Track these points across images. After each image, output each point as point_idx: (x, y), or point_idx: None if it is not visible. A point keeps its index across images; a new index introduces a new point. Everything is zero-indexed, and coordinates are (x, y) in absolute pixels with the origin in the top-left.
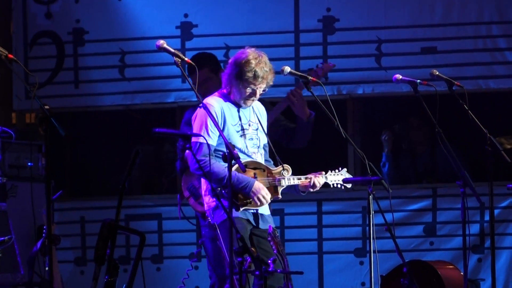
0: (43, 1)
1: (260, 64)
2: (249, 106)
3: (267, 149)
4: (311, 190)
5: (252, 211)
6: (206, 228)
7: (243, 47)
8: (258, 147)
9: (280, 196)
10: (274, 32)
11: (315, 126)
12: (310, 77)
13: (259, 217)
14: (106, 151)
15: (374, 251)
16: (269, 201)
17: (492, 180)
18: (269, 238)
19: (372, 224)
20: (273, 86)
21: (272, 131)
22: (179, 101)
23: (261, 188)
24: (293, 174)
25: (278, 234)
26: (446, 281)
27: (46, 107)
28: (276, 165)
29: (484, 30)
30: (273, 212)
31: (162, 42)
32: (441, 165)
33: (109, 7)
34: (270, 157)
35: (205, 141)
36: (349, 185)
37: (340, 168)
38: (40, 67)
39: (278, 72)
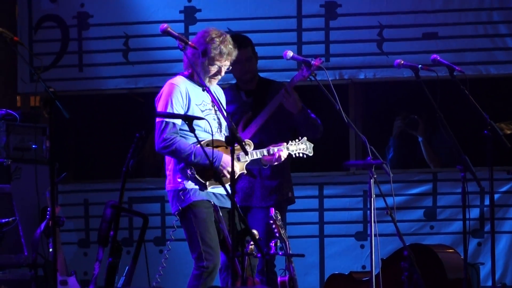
0: None
1: (225, 42)
2: (213, 86)
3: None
4: (275, 163)
5: (216, 192)
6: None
7: (246, 31)
8: (220, 126)
9: (245, 171)
10: (277, 17)
11: (317, 111)
12: (312, 62)
13: (223, 198)
14: (110, 134)
15: (375, 235)
16: (237, 170)
17: (492, 165)
18: (271, 221)
19: (373, 208)
20: (276, 70)
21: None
22: None
23: (229, 161)
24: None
25: (279, 217)
26: (446, 264)
27: (51, 89)
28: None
29: (484, 16)
30: None
31: (166, 26)
32: (441, 150)
33: None
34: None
35: (170, 120)
36: (309, 153)
37: (299, 138)
38: (45, 51)
39: (281, 57)
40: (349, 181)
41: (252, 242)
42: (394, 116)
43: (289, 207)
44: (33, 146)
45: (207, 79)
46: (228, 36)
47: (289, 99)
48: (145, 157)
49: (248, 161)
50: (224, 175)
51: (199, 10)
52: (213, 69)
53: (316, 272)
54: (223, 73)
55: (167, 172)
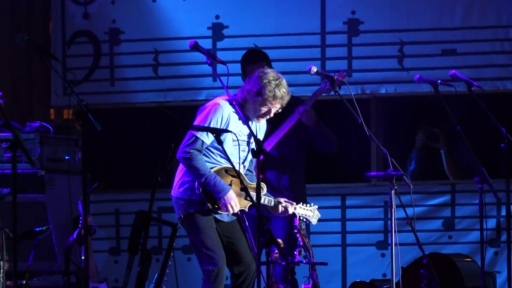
0: (81, 2)
1: (279, 86)
2: (259, 123)
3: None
4: (278, 214)
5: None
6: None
7: (271, 47)
8: (245, 158)
9: (247, 210)
10: (301, 33)
11: (340, 124)
12: (335, 77)
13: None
14: (140, 146)
15: (395, 244)
16: (236, 211)
17: (509, 177)
18: (295, 230)
19: (394, 218)
20: (300, 85)
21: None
22: (210, 98)
23: (232, 198)
24: (306, 175)
25: (304, 227)
26: (463, 273)
27: (83, 103)
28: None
29: (502, 33)
30: None
31: (194, 41)
32: (459, 162)
33: (144, 8)
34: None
35: (202, 138)
36: (313, 222)
37: (311, 204)
38: (78, 65)
39: (305, 72)
40: (370, 192)
41: (276, 251)
42: (414, 129)
43: None
44: (66, 157)
45: (255, 117)
46: (284, 80)
47: (308, 114)
48: (174, 168)
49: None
50: (221, 208)
51: (227, 27)
52: (264, 110)
53: (339, 279)
54: (271, 115)
55: (177, 178)
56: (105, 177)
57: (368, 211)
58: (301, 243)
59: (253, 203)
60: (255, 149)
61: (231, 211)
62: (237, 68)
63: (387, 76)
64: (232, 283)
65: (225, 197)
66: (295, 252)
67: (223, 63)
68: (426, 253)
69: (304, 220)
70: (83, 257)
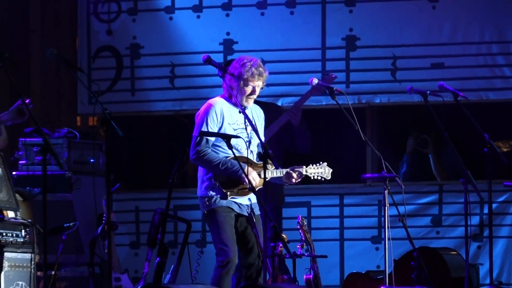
0: (104, 20)
1: (255, 65)
2: (250, 105)
3: (259, 147)
4: (294, 181)
5: (237, 202)
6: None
7: (277, 61)
8: (249, 145)
9: (262, 186)
10: (304, 48)
11: (338, 130)
12: (335, 88)
13: (242, 206)
14: (158, 150)
15: (388, 239)
16: (257, 182)
17: (491, 178)
18: (298, 226)
19: (387, 215)
20: (302, 95)
21: (280, 139)
22: None
23: (251, 171)
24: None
25: (306, 223)
26: (450, 265)
27: (107, 111)
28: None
29: (485, 49)
30: (301, 204)
31: (207, 56)
32: (447, 165)
33: (162, 25)
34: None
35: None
36: (327, 177)
37: (320, 162)
38: (101, 77)
39: (307, 83)
40: (366, 192)
41: (281, 245)
42: (406, 136)
43: (314, 214)
44: (91, 160)
45: (244, 99)
46: (258, 60)
47: (297, 114)
48: (188, 170)
49: (268, 178)
50: (244, 185)
51: (236, 42)
52: (248, 90)
53: (337, 271)
54: (257, 92)
55: (198, 181)
56: (126, 178)
57: (363, 209)
58: (303, 238)
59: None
60: (262, 153)
61: (254, 183)
62: None
63: (381, 87)
64: (245, 272)
65: (244, 172)
66: (298, 246)
67: (233, 75)
68: (416, 247)
69: (320, 178)
70: (106, 250)
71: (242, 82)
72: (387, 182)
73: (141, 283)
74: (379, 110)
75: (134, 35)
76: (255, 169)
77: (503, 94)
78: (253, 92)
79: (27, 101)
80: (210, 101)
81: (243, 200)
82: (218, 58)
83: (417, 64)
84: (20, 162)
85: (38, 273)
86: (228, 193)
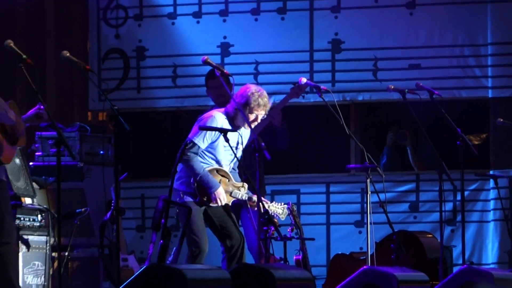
0: (113, 25)
1: (261, 96)
2: (248, 129)
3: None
4: (252, 208)
5: None
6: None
7: (269, 62)
8: (231, 161)
9: (230, 204)
10: (293, 51)
11: (324, 125)
12: (322, 87)
13: None
14: (161, 143)
15: (370, 223)
16: (223, 204)
17: (463, 168)
18: (288, 212)
19: (369, 202)
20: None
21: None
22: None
23: (221, 193)
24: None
25: (295, 209)
26: (426, 246)
27: (115, 107)
28: (241, 176)
29: (458, 51)
30: (291, 192)
31: (206, 57)
32: (423, 156)
33: (165, 30)
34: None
35: (198, 144)
36: (282, 218)
37: (282, 203)
38: (110, 77)
39: (296, 83)
40: (350, 181)
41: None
42: (386, 130)
43: (303, 201)
44: (101, 152)
45: (246, 124)
46: (264, 91)
47: (278, 116)
48: None
49: (235, 199)
50: (211, 201)
51: (232, 45)
52: (252, 117)
53: (324, 252)
54: (259, 120)
55: (178, 173)
56: (133, 168)
57: (348, 196)
58: (293, 222)
59: (237, 199)
60: (255, 147)
61: (220, 204)
62: (240, 79)
63: (364, 86)
64: (226, 254)
65: (215, 192)
66: (288, 230)
67: (230, 75)
68: (395, 230)
69: (274, 215)
70: (114, 233)
71: (247, 109)
72: (369, 172)
73: (146, 263)
74: (362, 107)
75: (139, 39)
76: (228, 187)
77: (474, 92)
78: (255, 119)
79: (42, 107)
80: (215, 113)
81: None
82: (216, 59)
83: (396, 65)
84: (37, 153)
85: (53, 254)
86: (199, 197)
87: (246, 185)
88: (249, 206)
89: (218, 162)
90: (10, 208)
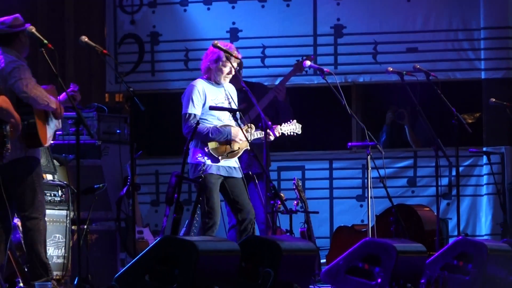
0: (128, 12)
1: (231, 49)
2: (226, 82)
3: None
4: (272, 138)
5: (226, 165)
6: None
7: (275, 46)
8: (230, 116)
9: (249, 147)
10: (298, 36)
11: (328, 104)
12: (325, 69)
13: (231, 169)
14: (174, 122)
15: (371, 197)
16: (244, 140)
17: (458, 145)
18: (294, 187)
19: (369, 177)
20: (298, 75)
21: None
22: None
23: (238, 132)
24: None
25: (300, 184)
26: (423, 219)
27: (131, 89)
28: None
29: (452, 35)
30: (296, 168)
31: (216, 42)
32: (420, 134)
33: (177, 16)
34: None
35: (192, 112)
36: (298, 131)
37: (291, 120)
38: (126, 60)
39: (302, 59)
40: (351, 157)
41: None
42: (385, 110)
43: (308, 176)
44: (117, 131)
45: (222, 78)
46: (232, 44)
47: (282, 91)
48: None
49: (251, 140)
50: (235, 143)
51: (241, 30)
52: (226, 70)
53: (327, 225)
54: (233, 72)
55: (190, 150)
56: (147, 146)
57: (349, 172)
58: (298, 197)
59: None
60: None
61: (243, 140)
62: (248, 62)
63: (365, 68)
64: (238, 227)
65: (232, 135)
66: (294, 203)
67: (238, 58)
68: (395, 204)
69: (292, 134)
70: (130, 208)
71: (220, 63)
72: (370, 149)
73: (160, 235)
74: (363, 88)
75: (153, 25)
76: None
77: (468, 74)
78: (230, 72)
79: (76, 88)
80: (192, 83)
81: (231, 163)
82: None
83: (395, 48)
84: (57, 132)
85: (73, 227)
86: (220, 157)
87: (252, 125)
88: (270, 135)
89: (219, 119)
90: (42, 185)
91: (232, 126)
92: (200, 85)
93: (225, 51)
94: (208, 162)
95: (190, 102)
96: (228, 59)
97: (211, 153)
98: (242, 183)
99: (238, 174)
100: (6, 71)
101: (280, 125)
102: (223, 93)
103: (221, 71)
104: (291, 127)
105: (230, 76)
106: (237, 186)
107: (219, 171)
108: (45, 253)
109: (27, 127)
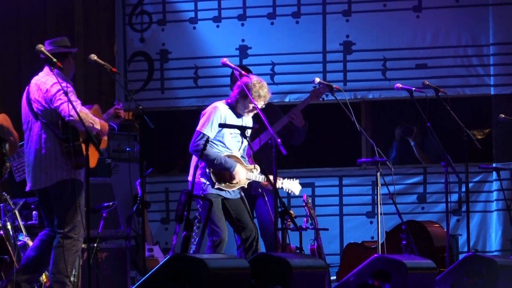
0: (138, 29)
1: (262, 87)
2: (248, 117)
3: (246, 150)
4: (270, 188)
5: (221, 187)
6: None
7: (284, 63)
8: (239, 148)
9: (246, 186)
10: (307, 52)
11: (337, 122)
12: (334, 86)
13: (229, 193)
14: (184, 140)
15: (380, 214)
16: (242, 182)
17: (468, 162)
18: (303, 204)
19: (379, 194)
20: (306, 92)
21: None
22: None
23: (240, 171)
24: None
25: (310, 201)
26: (433, 235)
27: (140, 107)
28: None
29: (461, 52)
30: (306, 185)
31: (225, 59)
32: (430, 150)
33: (187, 33)
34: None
35: (207, 133)
36: (296, 193)
37: (294, 179)
38: (136, 78)
39: (310, 82)
40: (361, 174)
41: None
42: (395, 126)
43: (318, 193)
44: (127, 149)
45: (245, 113)
46: (264, 82)
47: (298, 118)
48: None
49: (251, 180)
50: (234, 180)
51: (250, 48)
52: (251, 106)
53: (337, 241)
54: (256, 111)
55: (191, 167)
56: (157, 164)
57: (359, 189)
58: (308, 214)
59: (253, 180)
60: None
61: (239, 181)
62: None
63: (374, 85)
64: (242, 246)
65: (235, 170)
66: (304, 220)
67: (247, 75)
68: (405, 220)
69: (290, 191)
70: (140, 225)
71: (248, 99)
72: (379, 165)
73: (171, 253)
74: (372, 105)
75: (163, 42)
76: (240, 165)
77: (477, 90)
78: (254, 109)
79: (120, 106)
80: (216, 104)
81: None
82: (235, 61)
83: (404, 65)
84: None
85: (83, 245)
86: (216, 183)
87: (257, 167)
88: (263, 186)
89: (228, 149)
90: (83, 209)
91: (239, 163)
92: (224, 110)
93: (234, 68)
94: (207, 182)
95: (209, 123)
96: (258, 96)
97: (211, 176)
98: (242, 202)
99: (237, 196)
100: (51, 92)
101: (283, 178)
102: (240, 124)
103: (246, 107)
104: (292, 185)
105: (252, 113)
106: (238, 205)
107: (217, 191)
108: (69, 274)
109: (74, 148)
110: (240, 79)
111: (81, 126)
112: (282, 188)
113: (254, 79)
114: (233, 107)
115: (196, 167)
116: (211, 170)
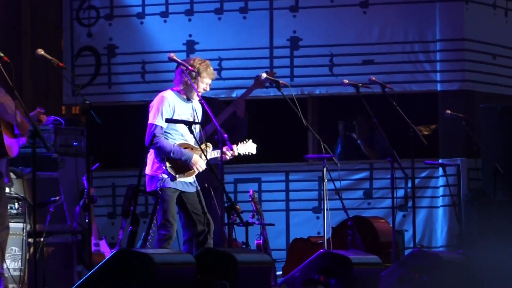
0: (85, 24)
1: (209, 65)
2: (197, 99)
3: (198, 135)
4: (228, 158)
5: (182, 181)
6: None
7: (231, 59)
8: (192, 133)
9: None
10: (255, 48)
11: (283, 117)
12: (281, 82)
13: (187, 185)
14: (131, 135)
15: (327, 209)
16: (202, 169)
17: (414, 157)
18: (250, 199)
19: (325, 189)
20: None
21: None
22: None
23: (198, 160)
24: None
25: (256, 196)
26: (379, 231)
27: (87, 102)
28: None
29: (408, 48)
30: (253, 180)
31: (172, 54)
32: (377, 146)
33: (134, 28)
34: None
35: (159, 124)
36: (253, 152)
37: (247, 140)
38: (83, 73)
39: (259, 76)
40: (308, 169)
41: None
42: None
43: (264, 189)
44: (74, 143)
45: (194, 94)
46: (207, 61)
47: (241, 106)
48: None
49: (209, 158)
50: (193, 170)
51: (197, 43)
52: (202, 86)
53: (283, 237)
54: (208, 89)
55: (148, 161)
56: (104, 159)
57: (306, 184)
58: (254, 209)
59: (209, 167)
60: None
61: (200, 170)
62: None
63: (321, 80)
64: (196, 239)
65: (192, 161)
66: (250, 216)
67: (194, 70)
68: (351, 216)
69: (248, 153)
70: (87, 220)
71: (197, 79)
72: (326, 161)
73: (117, 247)
74: (319, 100)
75: (110, 37)
76: (196, 153)
77: (424, 86)
78: (205, 88)
79: (42, 110)
80: (162, 93)
81: (189, 179)
82: (182, 56)
83: (351, 60)
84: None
85: (29, 239)
86: (177, 176)
87: (210, 144)
88: (227, 155)
89: (182, 135)
90: (5, 198)
91: (195, 151)
92: (171, 98)
93: (181, 63)
94: (165, 176)
95: (159, 114)
96: (206, 74)
97: (169, 171)
98: (198, 196)
99: (194, 189)
100: None
101: (236, 145)
102: (190, 109)
103: (197, 87)
104: (247, 147)
105: (203, 91)
106: (195, 199)
107: (176, 185)
108: (1, 264)
109: None
110: (186, 73)
111: (4, 112)
112: (239, 154)
113: (197, 59)
114: (180, 91)
115: (144, 161)
116: (169, 164)
